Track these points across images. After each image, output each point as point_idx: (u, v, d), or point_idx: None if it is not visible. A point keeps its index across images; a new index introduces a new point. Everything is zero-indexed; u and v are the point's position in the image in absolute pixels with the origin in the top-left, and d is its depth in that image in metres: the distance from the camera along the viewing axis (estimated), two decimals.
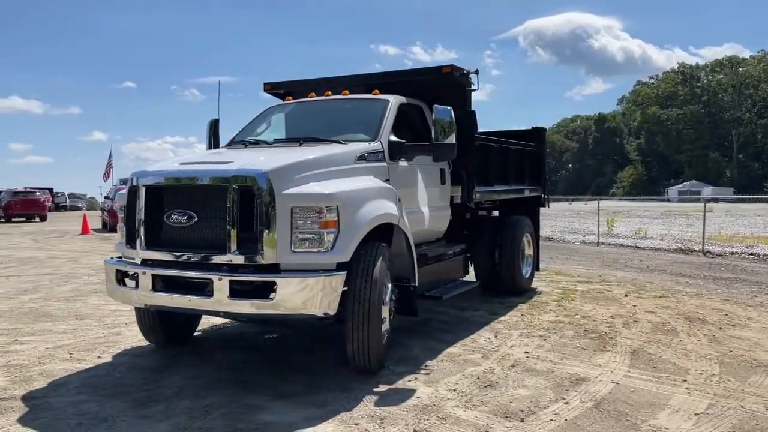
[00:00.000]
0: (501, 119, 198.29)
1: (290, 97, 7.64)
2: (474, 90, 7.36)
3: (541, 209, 10.19)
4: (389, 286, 5.58)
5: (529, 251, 9.48)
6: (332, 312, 5.01)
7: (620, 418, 4.45)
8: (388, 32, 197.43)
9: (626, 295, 9.05)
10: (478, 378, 5.34)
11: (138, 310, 5.95)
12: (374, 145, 6.04)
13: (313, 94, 7.27)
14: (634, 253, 15.60)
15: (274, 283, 4.85)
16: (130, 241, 5.43)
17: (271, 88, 8.04)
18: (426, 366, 5.70)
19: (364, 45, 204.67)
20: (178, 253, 5.18)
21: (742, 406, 4.66)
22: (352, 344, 5.19)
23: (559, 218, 30.10)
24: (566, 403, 4.76)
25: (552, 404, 4.73)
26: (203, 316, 6.58)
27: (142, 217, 5.32)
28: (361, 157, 5.75)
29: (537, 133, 9.91)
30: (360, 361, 5.26)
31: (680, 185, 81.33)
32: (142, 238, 5.32)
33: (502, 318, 7.61)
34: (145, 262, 5.38)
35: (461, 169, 7.36)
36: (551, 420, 4.43)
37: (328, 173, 5.36)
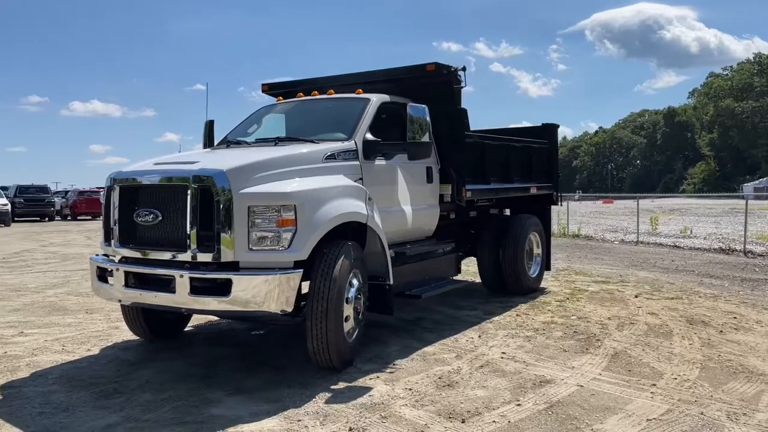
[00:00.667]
0: (566, 115, 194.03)
1: (281, 98, 7.76)
2: (462, 87, 7.27)
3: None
4: (356, 284, 5.60)
5: (537, 250, 9.30)
6: (289, 309, 5.08)
7: (565, 422, 4.34)
8: (450, 29, 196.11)
9: (636, 296, 8.75)
10: (440, 378, 5.30)
11: (123, 306, 6.18)
12: (347, 144, 6.07)
13: (301, 94, 7.35)
14: (670, 252, 15.02)
15: (230, 281, 4.96)
16: (107, 239, 5.66)
17: (269, 88, 8.18)
18: (395, 364, 5.70)
19: (426, 42, 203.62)
20: (146, 251, 5.36)
21: (702, 413, 4.46)
22: (312, 342, 5.25)
23: (610, 216, 29.29)
24: (518, 405, 4.68)
25: (503, 406, 4.65)
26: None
27: (116, 216, 5.53)
28: (330, 156, 5.79)
29: (548, 130, 9.69)
30: (321, 358, 5.31)
31: (756, 182, 77.27)
32: (116, 236, 5.54)
33: (496, 318, 7.50)
34: (120, 260, 5.59)
35: (450, 167, 7.30)
36: (494, 422, 4.36)
37: (293, 172, 5.43)
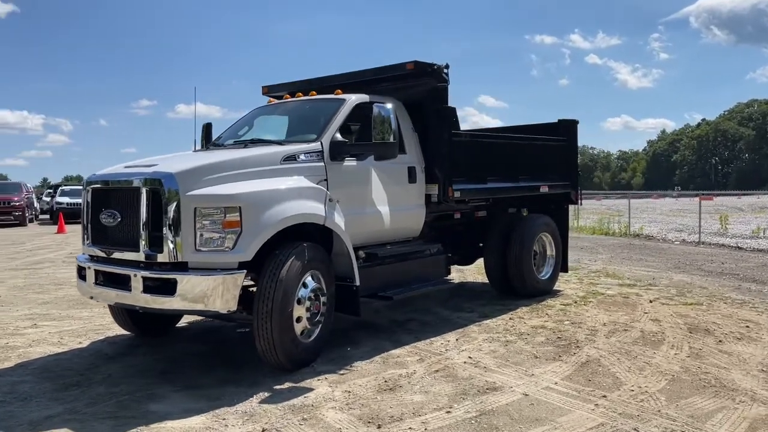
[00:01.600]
0: (667, 107, 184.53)
1: (272, 99, 7.87)
2: (446, 85, 7.11)
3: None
4: (311, 285, 5.62)
5: (550, 251, 8.97)
6: (233, 308, 5.19)
7: None
8: (543, 21, 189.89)
9: (651, 302, 8.26)
10: (386, 381, 5.24)
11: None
12: (311, 146, 6.10)
13: (300, 94, 7.40)
14: (728, 254, 14.04)
15: (176, 280, 5.12)
16: (84, 238, 5.97)
17: (268, 90, 8.32)
18: (352, 366, 5.68)
19: (518, 36, 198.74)
20: (110, 250, 5.62)
21: (635, 429, 4.18)
22: (259, 341, 5.32)
23: (690, 215, 27.62)
24: (448, 412, 4.56)
25: (432, 412, 4.55)
26: None
27: (89, 216, 5.83)
28: (289, 158, 5.83)
29: (565, 126, 9.31)
30: (270, 358, 5.38)
31: None
32: (89, 235, 5.83)
33: (488, 321, 7.31)
34: (92, 258, 5.88)
35: (435, 166, 7.17)
36: (410, 428, 4.28)
37: (246, 174, 5.52)
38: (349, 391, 5.02)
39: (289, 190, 5.58)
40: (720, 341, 6.30)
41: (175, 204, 5.16)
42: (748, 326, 6.90)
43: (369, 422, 4.39)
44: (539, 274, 8.84)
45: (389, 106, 6.20)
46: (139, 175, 5.39)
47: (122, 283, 5.45)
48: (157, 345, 6.60)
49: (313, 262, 5.64)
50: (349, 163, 6.29)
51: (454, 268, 10.16)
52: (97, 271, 5.72)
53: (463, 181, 7.38)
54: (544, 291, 8.72)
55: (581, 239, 17.47)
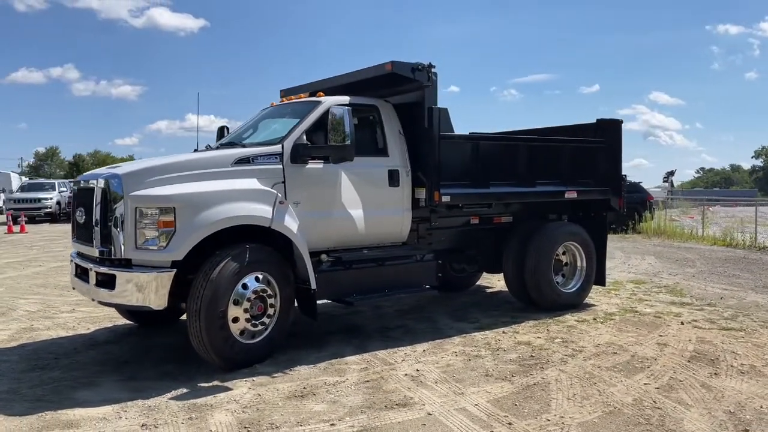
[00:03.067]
0: None
1: (274, 103, 7.99)
2: (426, 86, 6.80)
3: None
4: (253, 286, 5.67)
5: (581, 263, 8.27)
6: (162, 306, 5.39)
7: None
8: (727, 9, 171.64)
9: (682, 324, 7.31)
10: (305, 388, 5.18)
11: None
12: (269, 149, 6.14)
13: (302, 95, 7.48)
14: None
15: (114, 276, 5.43)
16: (71, 235, 6.51)
17: (284, 94, 8.47)
18: (291, 370, 5.67)
19: (698, 26, 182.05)
20: (81, 246, 6.07)
21: None
22: (193, 339, 5.47)
23: None
24: (332, 425, 4.43)
25: (317, 423, 4.45)
26: None
27: (72, 214, 6.34)
28: (241, 161, 5.92)
29: (605, 127, 8.52)
30: (204, 356, 5.53)
31: None
32: (73, 231, 6.35)
33: (476, 333, 6.91)
34: (75, 253, 6.39)
35: (421, 170, 6.91)
36: None
37: (195, 176, 5.69)
38: (260, 395, 5.01)
39: (231, 192, 5.67)
40: (715, 374, 5.45)
41: (120, 203, 5.47)
42: None
43: (245, 428, 4.36)
44: (566, 287, 8.18)
45: (346, 108, 6.08)
46: (99, 176, 5.75)
47: (85, 276, 5.87)
48: (151, 335, 7.00)
49: (257, 263, 5.69)
50: (314, 165, 6.25)
51: (491, 275, 9.74)
52: (76, 265, 6.19)
53: (455, 185, 7.04)
54: (568, 304, 8.05)
55: (691, 250, 15.83)
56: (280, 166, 6.07)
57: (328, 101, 6.62)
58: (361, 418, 4.52)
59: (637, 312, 7.92)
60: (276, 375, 5.52)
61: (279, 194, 5.91)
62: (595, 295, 8.98)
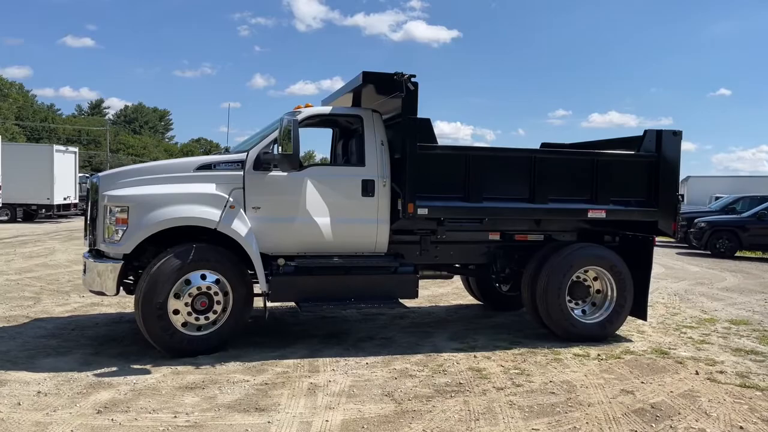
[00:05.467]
0: None
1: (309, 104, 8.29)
2: (400, 96, 6.61)
3: None
4: (197, 282, 6.14)
5: (611, 292, 7.35)
6: (110, 293, 6.13)
7: None
8: None
9: (696, 373, 6.14)
10: (202, 382, 5.51)
11: None
12: (232, 156, 6.57)
13: (309, 104, 7.83)
14: None
15: (85, 264, 6.32)
16: None
17: (323, 102, 8.80)
18: (219, 364, 6.00)
19: None
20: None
21: None
22: (139, 326, 6.13)
23: None
24: (175, 416, 4.71)
25: (163, 412, 4.76)
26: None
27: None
28: (203, 167, 6.42)
29: (655, 139, 7.42)
30: (149, 342, 6.13)
31: None
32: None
33: (447, 354, 6.57)
34: None
35: (397, 180, 6.79)
36: (113, 418, 4.62)
37: (159, 179, 6.35)
38: (158, 381, 5.46)
39: (182, 195, 6.20)
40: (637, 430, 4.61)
41: (97, 201, 6.33)
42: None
43: (105, 407, 4.84)
44: (590, 316, 7.35)
45: (293, 119, 6.26)
46: (93, 177, 6.68)
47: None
48: None
49: (203, 262, 6.15)
50: (277, 173, 6.52)
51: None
52: None
53: (437, 198, 6.78)
54: (588, 336, 7.21)
55: None
56: (241, 173, 6.45)
57: (304, 112, 6.85)
58: (206, 415, 4.73)
59: (665, 355, 6.80)
60: (203, 366, 5.91)
61: (232, 199, 6.30)
62: (648, 328, 7.89)
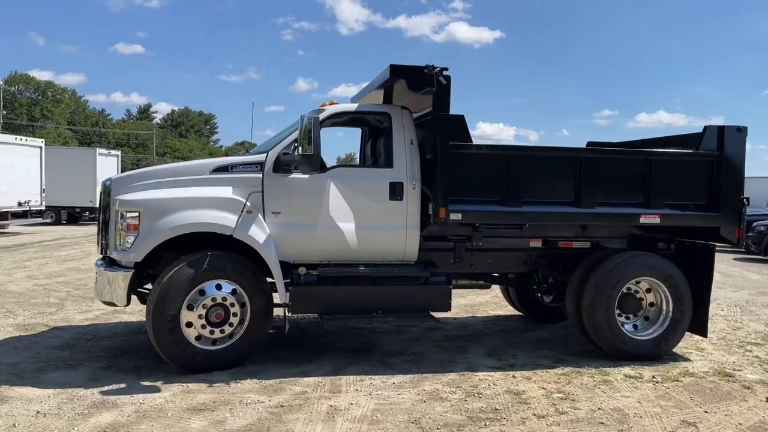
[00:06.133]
0: None
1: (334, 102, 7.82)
2: (431, 90, 6.06)
3: None
4: (211, 292, 5.73)
5: (666, 306, 6.65)
6: (121, 304, 5.75)
7: None
8: None
9: (767, 400, 5.43)
10: (213, 403, 5.08)
11: None
12: (251, 158, 6.14)
13: (333, 101, 7.37)
14: None
15: (96, 273, 5.97)
16: None
17: (352, 100, 8.33)
18: (235, 382, 5.55)
19: None
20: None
21: None
22: (150, 338, 5.74)
23: None
24: None
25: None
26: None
27: None
28: (219, 169, 6.00)
29: (715, 136, 6.68)
30: (161, 355, 5.74)
31: None
32: None
33: (483, 374, 6.00)
34: None
35: (428, 182, 6.25)
36: None
37: (173, 182, 5.96)
38: (166, 401, 5.05)
39: (196, 199, 5.80)
40: None
41: (109, 206, 5.98)
42: None
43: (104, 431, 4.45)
44: (643, 332, 6.66)
45: (314, 115, 5.78)
46: (107, 180, 6.33)
47: None
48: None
49: (219, 271, 5.73)
50: (298, 175, 6.06)
51: None
52: None
53: (472, 202, 6.21)
54: (640, 354, 6.52)
55: None
56: (259, 176, 6.01)
57: (328, 110, 6.39)
58: None
59: (729, 378, 6.07)
60: (216, 384, 5.49)
61: (249, 203, 5.87)
62: (708, 345, 7.15)
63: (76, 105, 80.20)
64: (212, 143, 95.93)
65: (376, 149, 6.98)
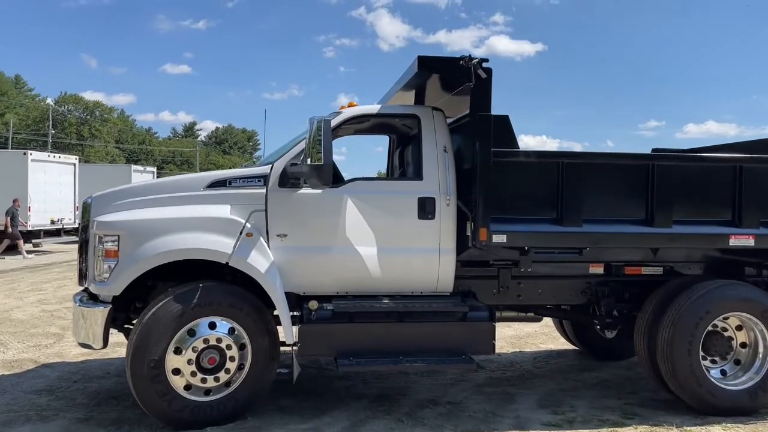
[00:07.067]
0: None
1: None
2: (469, 86, 4.99)
3: None
4: (204, 333, 4.77)
5: (762, 348, 5.40)
6: (97, 346, 4.82)
7: None
8: None
9: None
10: None
11: None
12: (252, 170, 5.18)
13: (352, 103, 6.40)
14: None
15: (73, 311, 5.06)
16: None
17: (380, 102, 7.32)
18: None
19: None
20: None
21: None
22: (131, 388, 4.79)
23: None
24: None
25: None
26: None
27: None
28: (215, 184, 5.04)
29: None
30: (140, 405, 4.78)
31: None
32: None
33: None
34: None
35: (465, 197, 5.18)
36: None
37: (161, 200, 5.04)
38: None
39: (186, 220, 4.85)
40: None
41: (88, 229, 5.10)
42: None
43: None
44: (734, 380, 5.42)
45: (323, 119, 4.76)
46: (89, 198, 5.43)
47: None
48: None
49: (212, 306, 4.77)
50: (309, 191, 5.06)
51: None
52: None
53: (516, 221, 5.11)
54: (731, 408, 5.27)
55: None
56: (262, 191, 5.03)
57: (346, 112, 5.39)
58: None
59: None
60: None
61: (250, 224, 4.89)
62: None
63: (124, 124, 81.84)
64: (255, 159, 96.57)
65: (404, 159, 5.95)
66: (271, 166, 5.14)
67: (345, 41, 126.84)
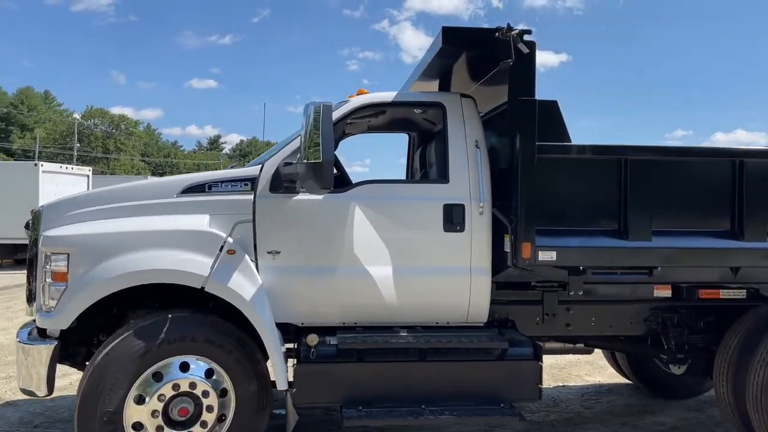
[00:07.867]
0: None
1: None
2: (507, 63, 3.94)
3: None
4: (173, 376, 3.77)
5: None
6: (41, 393, 3.85)
7: None
8: None
9: None
10: None
11: None
12: (238, 172, 4.20)
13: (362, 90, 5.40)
14: None
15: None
16: None
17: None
18: None
19: None
20: None
21: None
22: None
23: None
24: None
25: None
26: None
27: None
28: (192, 189, 4.07)
29: None
30: None
31: None
32: None
33: None
34: None
35: (502, 204, 4.13)
36: None
37: (127, 209, 4.08)
38: None
39: (152, 234, 3.89)
40: None
41: (35, 245, 4.15)
42: None
43: None
44: None
45: (327, 103, 3.75)
46: (40, 207, 4.47)
47: None
48: None
49: (186, 342, 3.79)
50: (306, 196, 4.06)
51: None
52: None
53: (567, 233, 4.05)
54: None
55: None
56: (250, 197, 4.04)
57: (354, 101, 4.39)
58: None
59: None
60: None
61: (233, 239, 3.90)
62: None
63: (150, 137, 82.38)
64: None
65: (426, 159, 4.92)
66: (261, 166, 4.15)
67: (368, 54, 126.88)
